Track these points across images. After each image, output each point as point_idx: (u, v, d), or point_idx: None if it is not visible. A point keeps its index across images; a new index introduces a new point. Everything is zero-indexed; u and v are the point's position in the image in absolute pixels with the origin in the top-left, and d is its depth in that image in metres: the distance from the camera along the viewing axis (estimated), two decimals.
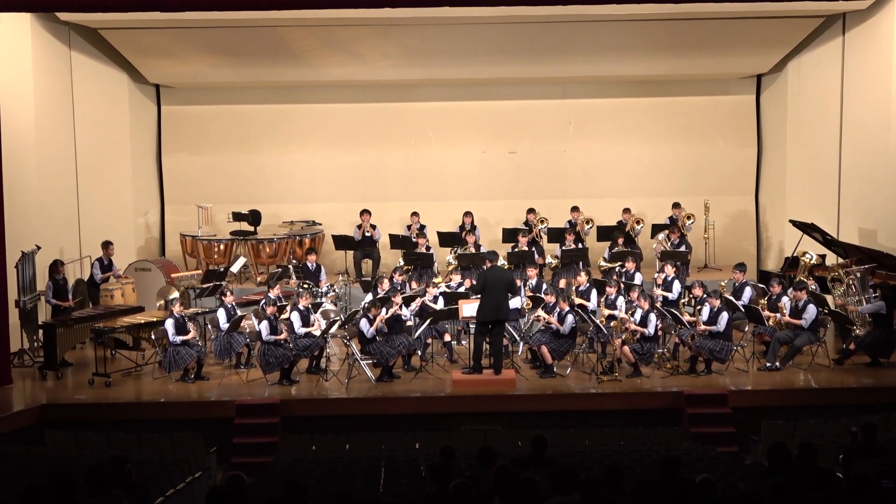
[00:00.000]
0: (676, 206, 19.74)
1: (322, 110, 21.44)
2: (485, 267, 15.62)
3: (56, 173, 18.55)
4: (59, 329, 15.78)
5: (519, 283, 16.72)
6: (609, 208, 20.05)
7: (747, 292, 16.59)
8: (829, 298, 16.64)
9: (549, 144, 21.48)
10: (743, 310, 16.08)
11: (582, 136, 21.45)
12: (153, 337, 15.71)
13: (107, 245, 18.04)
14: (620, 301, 16.07)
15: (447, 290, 16.46)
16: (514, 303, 16.24)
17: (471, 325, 15.73)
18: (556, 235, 19.23)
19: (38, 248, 16.82)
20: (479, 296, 15.16)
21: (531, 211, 19.55)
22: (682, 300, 16.90)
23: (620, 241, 18.71)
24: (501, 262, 17.44)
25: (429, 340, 16.13)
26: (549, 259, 18.94)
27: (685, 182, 21.08)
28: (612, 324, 15.61)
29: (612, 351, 15.60)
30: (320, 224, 20.85)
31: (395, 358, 15.40)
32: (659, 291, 16.97)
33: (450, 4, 14.92)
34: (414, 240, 18.87)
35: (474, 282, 15.78)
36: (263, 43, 19.27)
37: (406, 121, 21.48)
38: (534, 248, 18.86)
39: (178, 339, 15.24)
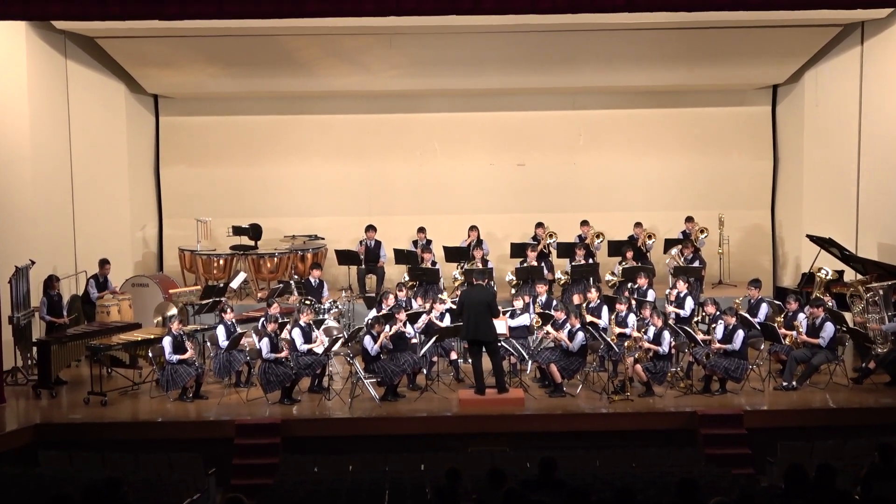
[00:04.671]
0: (690, 220, 19.75)
1: (325, 121, 21.50)
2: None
3: (51, 186, 18.60)
4: (53, 346, 15.83)
5: (528, 299, 16.78)
6: (620, 222, 20.05)
7: (763, 309, 16.58)
8: (847, 316, 16.63)
9: (558, 157, 21.52)
10: (759, 327, 16.08)
11: (592, 148, 21.48)
12: (150, 355, 15.73)
13: (103, 263, 18.06)
14: (631, 318, 16.07)
15: (454, 307, 16.46)
16: (523, 320, 16.27)
17: None
18: (565, 250, 19.24)
19: (33, 262, 16.87)
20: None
21: (540, 225, 19.57)
22: (696, 317, 16.89)
23: (631, 255, 18.69)
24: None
25: (434, 358, 16.16)
26: (558, 275, 18.94)
27: (699, 195, 21.09)
28: (625, 343, 15.58)
29: (623, 369, 15.60)
30: (323, 238, 20.88)
31: (399, 376, 15.42)
32: (671, 308, 16.97)
33: (457, 13, 14.97)
34: (419, 254, 18.90)
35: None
36: (265, 52, 19.35)
37: (412, 132, 21.54)
38: (543, 264, 18.88)
39: (176, 357, 15.27)
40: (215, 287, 18.10)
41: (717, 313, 15.78)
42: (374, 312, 16.44)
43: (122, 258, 19.93)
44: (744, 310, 16.54)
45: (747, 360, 15.43)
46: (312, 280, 18.35)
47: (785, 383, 15.47)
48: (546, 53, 19.50)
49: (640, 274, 17.65)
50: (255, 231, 20.42)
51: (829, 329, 15.36)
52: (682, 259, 18.90)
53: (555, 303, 16.82)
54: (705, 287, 19.16)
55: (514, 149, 21.55)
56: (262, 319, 15.95)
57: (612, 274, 18.65)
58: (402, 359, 15.38)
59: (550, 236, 19.45)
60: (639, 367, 15.29)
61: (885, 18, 18.23)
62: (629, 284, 17.85)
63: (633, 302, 16.59)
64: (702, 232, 19.55)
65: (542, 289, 17.19)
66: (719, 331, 15.42)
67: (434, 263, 18.78)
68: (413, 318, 16.03)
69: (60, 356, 15.94)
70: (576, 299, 17.25)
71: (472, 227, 19.61)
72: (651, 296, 17.24)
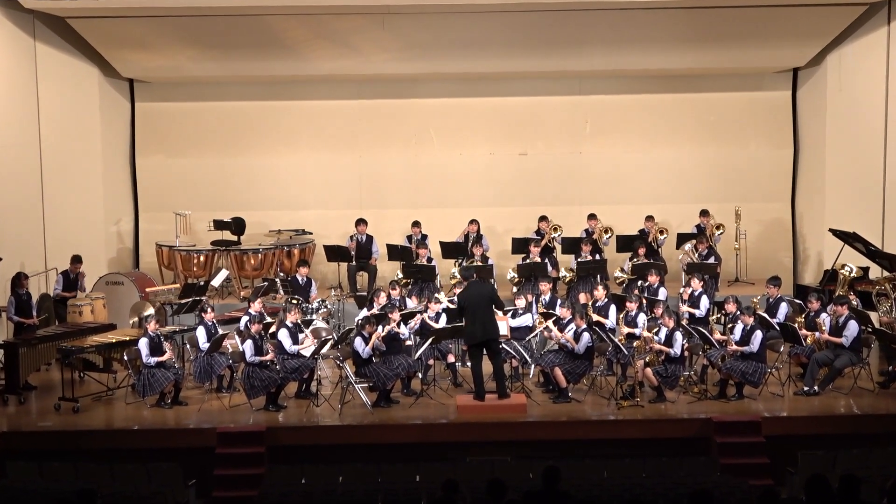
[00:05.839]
0: (704, 213, 19.75)
1: (314, 107, 21.50)
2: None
3: (19, 177, 18.60)
4: (21, 349, 15.79)
5: (530, 298, 16.78)
6: (630, 216, 20.08)
7: (783, 309, 16.58)
8: (873, 315, 16.63)
9: (563, 145, 21.53)
10: (778, 328, 16.07)
11: (600, 136, 21.49)
12: (126, 358, 15.72)
13: (75, 261, 17.99)
14: (641, 318, 16.06)
15: (451, 307, 16.43)
16: (525, 320, 16.26)
17: None
18: (571, 246, 19.23)
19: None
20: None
21: (543, 219, 19.56)
22: (711, 317, 16.88)
23: (641, 251, 18.69)
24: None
25: (431, 362, 16.13)
26: (563, 272, 18.94)
27: (714, 187, 21.12)
28: (634, 343, 15.58)
29: (633, 373, 15.60)
30: (311, 233, 20.87)
31: (393, 381, 15.40)
32: (685, 308, 16.95)
33: None
34: (414, 250, 18.88)
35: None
36: (249, 33, 19.32)
37: (406, 119, 21.54)
38: (547, 260, 18.86)
39: (153, 360, 15.24)
40: (195, 285, 18.08)
41: (738, 312, 15.75)
42: (365, 312, 16.44)
43: (96, 254, 19.92)
44: (762, 309, 16.53)
45: (766, 363, 15.41)
46: (299, 278, 18.34)
47: (806, 388, 15.47)
48: (550, 35, 19.47)
49: (650, 271, 17.64)
50: (237, 225, 20.40)
51: (852, 327, 15.34)
52: (697, 255, 18.90)
53: (560, 302, 16.80)
54: (721, 285, 19.19)
55: (515, 137, 21.55)
56: (246, 320, 15.93)
57: (622, 271, 18.65)
58: (395, 362, 15.36)
59: (555, 230, 19.44)
60: (649, 370, 15.28)
61: None
62: (639, 282, 17.85)
63: (644, 300, 16.57)
64: (718, 227, 19.53)
65: (545, 287, 17.16)
66: (737, 331, 15.40)
67: (430, 260, 18.77)
68: (406, 319, 16.00)
69: (29, 359, 15.89)
70: (582, 298, 17.25)
71: (472, 221, 19.61)
72: (663, 294, 17.24)
